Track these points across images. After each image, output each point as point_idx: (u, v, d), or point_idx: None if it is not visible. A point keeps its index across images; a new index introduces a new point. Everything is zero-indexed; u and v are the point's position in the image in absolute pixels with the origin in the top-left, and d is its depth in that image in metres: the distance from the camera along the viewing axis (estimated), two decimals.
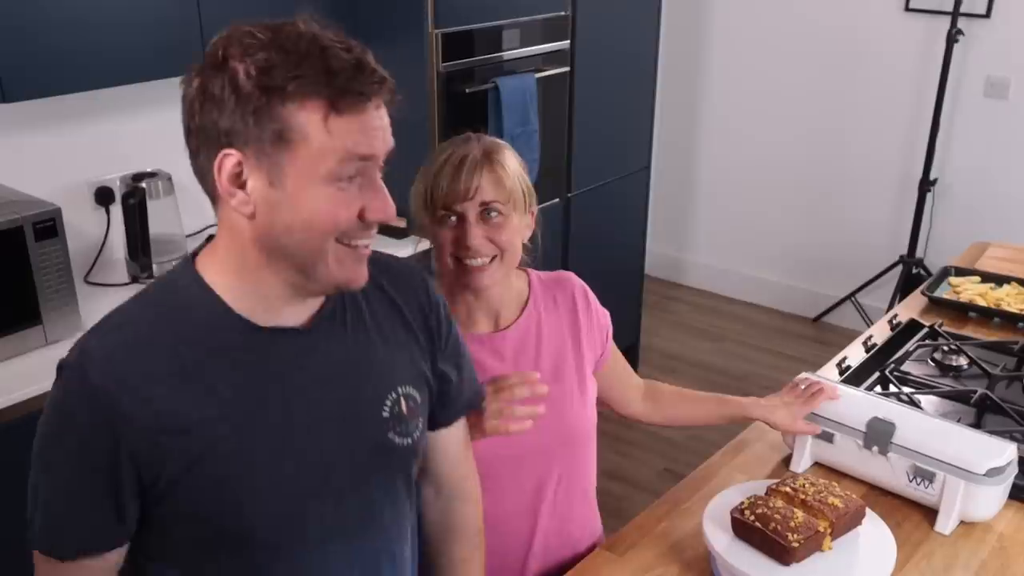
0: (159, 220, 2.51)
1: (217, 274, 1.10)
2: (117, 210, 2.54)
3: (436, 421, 1.31)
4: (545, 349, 1.58)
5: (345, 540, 1.18)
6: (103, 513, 1.07)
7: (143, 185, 2.51)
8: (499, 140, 1.55)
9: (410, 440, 1.22)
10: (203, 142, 1.04)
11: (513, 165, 1.50)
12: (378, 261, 1.21)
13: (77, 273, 2.39)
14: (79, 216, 2.53)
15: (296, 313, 1.13)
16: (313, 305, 1.15)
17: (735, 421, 1.80)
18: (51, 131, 2.48)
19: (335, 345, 1.16)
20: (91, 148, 2.57)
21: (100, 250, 2.58)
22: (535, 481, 1.57)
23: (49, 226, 2.14)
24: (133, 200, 2.45)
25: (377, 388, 1.19)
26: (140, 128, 2.65)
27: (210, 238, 1.15)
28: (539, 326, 1.59)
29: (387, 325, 1.22)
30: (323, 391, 1.14)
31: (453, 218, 1.48)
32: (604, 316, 1.69)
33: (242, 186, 1.03)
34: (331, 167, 1.02)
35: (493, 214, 1.47)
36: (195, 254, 1.14)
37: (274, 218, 1.03)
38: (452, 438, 1.36)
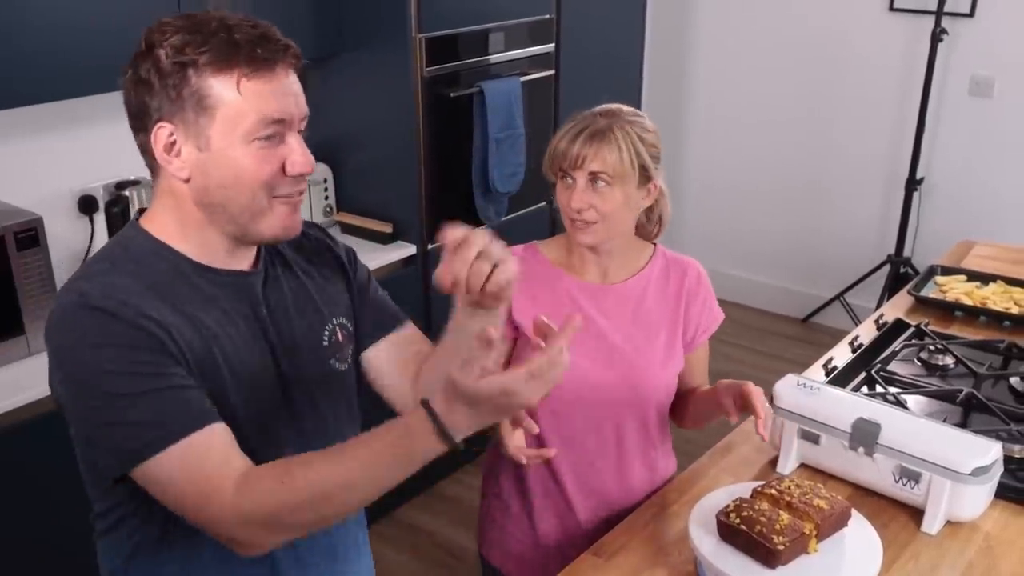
0: None
1: (163, 231, 1.23)
2: (101, 219, 2.53)
3: (366, 344, 1.45)
4: (643, 313, 1.75)
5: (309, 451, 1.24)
6: (187, 387, 1.15)
7: (127, 193, 2.50)
8: (631, 111, 1.70)
9: (347, 364, 1.39)
10: (140, 120, 1.18)
11: (628, 141, 1.64)
12: None
13: (60, 282, 2.37)
14: (62, 225, 2.52)
15: (240, 259, 1.27)
16: (249, 255, 1.29)
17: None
18: (33, 140, 2.47)
19: (277, 285, 1.33)
20: (74, 156, 2.55)
21: (84, 259, 2.56)
22: (612, 426, 1.75)
23: (31, 235, 2.13)
24: (117, 208, 2.44)
25: (316, 320, 1.35)
26: (123, 136, 2.59)
27: (141, 211, 1.29)
28: (644, 292, 1.76)
29: (312, 265, 1.39)
30: (275, 324, 1.30)
31: (569, 179, 1.65)
32: (712, 313, 1.83)
33: (177, 154, 1.18)
34: (248, 127, 1.15)
35: (600, 183, 1.63)
36: (136, 219, 1.27)
37: (207, 179, 1.18)
38: (401, 337, 1.48)
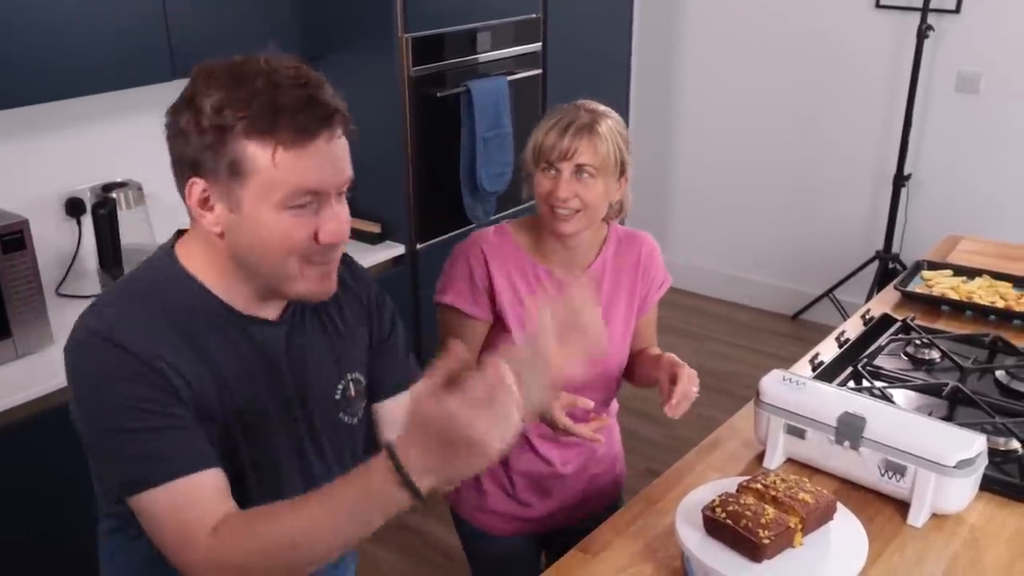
0: (130, 230, 2.50)
1: (198, 269, 1.23)
2: (88, 221, 2.53)
3: (381, 397, 1.46)
4: (603, 296, 1.85)
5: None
6: (194, 428, 1.17)
7: (114, 195, 2.50)
8: (607, 110, 1.77)
9: (356, 419, 1.41)
10: (178, 169, 1.18)
11: (611, 136, 1.72)
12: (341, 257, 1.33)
13: (48, 285, 2.38)
14: (49, 228, 2.52)
15: (269, 308, 1.28)
16: (278, 305, 1.30)
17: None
18: (19, 142, 2.46)
19: (300, 336, 1.32)
20: (60, 159, 2.55)
21: (71, 262, 2.56)
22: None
23: (17, 238, 2.12)
24: (104, 210, 2.44)
25: (331, 374, 1.36)
26: (109, 138, 2.64)
27: (179, 232, 1.29)
28: (603, 275, 1.86)
29: (341, 318, 1.38)
30: (290, 377, 1.30)
31: (553, 171, 1.72)
32: (660, 280, 1.95)
33: (211, 209, 1.17)
34: (280, 198, 1.13)
35: (584, 175, 1.71)
36: (171, 245, 1.27)
37: (238, 239, 1.17)
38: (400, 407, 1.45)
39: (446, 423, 0.98)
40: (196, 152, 1.13)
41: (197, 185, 1.15)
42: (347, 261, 1.40)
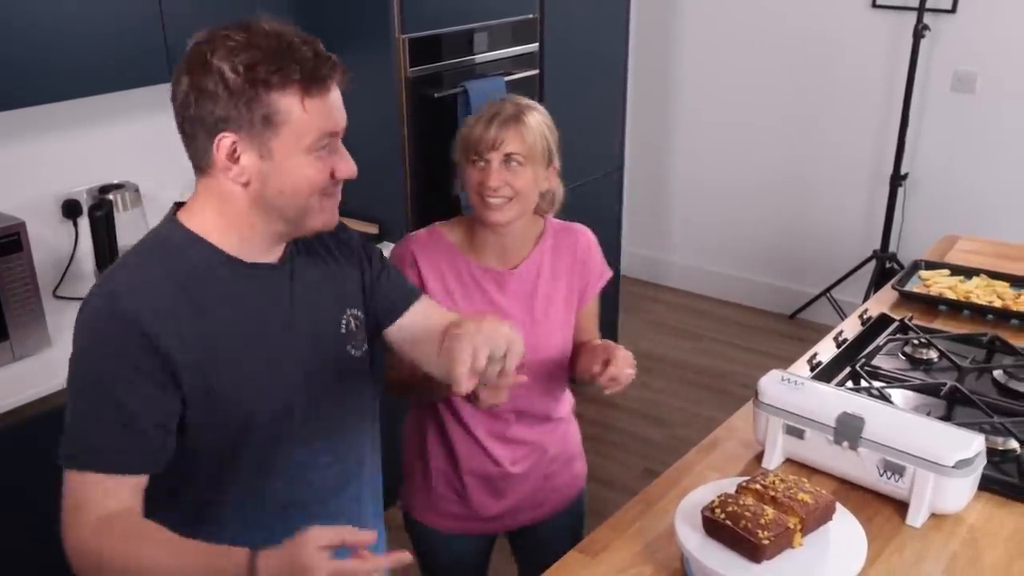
0: (127, 232, 2.50)
1: (203, 227, 1.33)
2: (84, 223, 2.52)
3: (390, 320, 1.55)
4: (541, 289, 1.87)
5: (327, 436, 1.44)
6: (142, 433, 1.26)
7: (110, 197, 2.49)
8: (532, 103, 1.82)
9: (362, 352, 1.49)
10: (199, 129, 1.26)
11: (537, 126, 1.78)
12: None
13: (45, 287, 2.38)
14: (46, 230, 2.51)
15: (272, 253, 1.38)
16: (280, 249, 1.40)
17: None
18: (15, 144, 2.46)
19: (302, 276, 1.42)
20: (57, 160, 2.54)
21: (68, 264, 2.56)
22: (525, 398, 1.82)
23: (14, 240, 2.12)
24: (100, 212, 2.44)
25: (334, 309, 1.46)
26: (106, 139, 2.63)
27: (179, 205, 1.38)
28: (540, 268, 1.88)
29: (333, 258, 1.49)
30: (297, 313, 1.40)
31: (482, 163, 1.76)
32: (600, 273, 1.95)
33: (236, 161, 1.27)
34: (310, 141, 1.27)
35: (513, 163, 1.75)
36: (173, 214, 1.36)
37: (266, 186, 1.28)
38: (422, 305, 1.58)
39: (307, 572, 1.11)
40: (226, 109, 1.23)
41: (227, 139, 1.25)
42: None
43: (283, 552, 1.14)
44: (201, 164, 1.31)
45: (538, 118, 1.79)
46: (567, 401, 2.01)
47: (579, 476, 2.07)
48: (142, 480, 1.28)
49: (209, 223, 1.33)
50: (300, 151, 1.28)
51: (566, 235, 1.93)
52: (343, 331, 1.46)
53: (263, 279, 1.37)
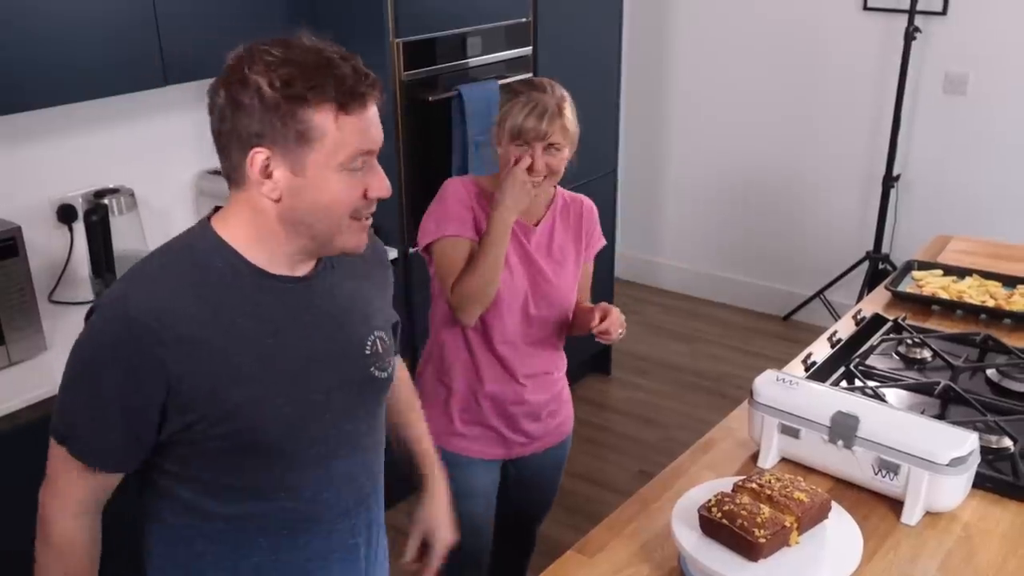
0: (123, 236, 2.50)
1: (233, 236, 1.31)
2: (80, 227, 2.52)
3: None
4: (556, 244, 2.13)
5: (343, 456, 1.42)
6: (130, 438, 1.28)
7: (106, 201, 2.49)
8: (562, 90, 2.02)
9: (387, 373, 1.48)
10: (234, 142, 1.25)
11: (572, 116, 2.02)
12: None
13: (40, 292, 2.37)
14: (41, 234, 2.51)
15: (301, 267, 1.36)
16: (310, 263, 1.38)
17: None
18: (11, 149, 2.46)
19: (329, 293, 1.40)
20: (52, 165, 2.54)
21: (64, 268, 2.55)
22: (540, 336, 2.13)
23: (9, 245, 2.12)
24: (96, 217, 2.43)
25: (360, 330, 1.44)
26: (101, 144, 2.63)
27: (216, 208, 1.36)
28: (554, 227, 2.14)
29: (363, 281, 1.48)
30: (322, 330, 1.37)
31: (526, 147, 1.99)
32: (599, 237, 2.22)
33: (269, 176, 1.25)
34: (343, 159, 1.25)
35: (554, 150, 1.99)
36: (208, 218, 1.35)
37: (297, 201, 1.27)
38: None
39: None
40: (261, 124, 1.22)
41: (260, 154, 1.24)
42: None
43: None
44: (234, 177, 1.30)
45: (571, 107, 2.02)
46: (564, 358, 2.26)
47: (570, 417, 2.31)
48: (113, 477, 1.33)
49: (240, 233, 1.31)
50: (332, 168, 1.25)
51: (573, 201, 2.18)
52: (367, 351, 1.43)
53: (287, 292, 1.35)
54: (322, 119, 1.23)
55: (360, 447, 1.46)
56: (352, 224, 1.31)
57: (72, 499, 1.33)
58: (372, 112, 1.27)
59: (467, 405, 2.13)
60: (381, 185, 1.31)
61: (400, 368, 1.69)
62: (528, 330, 2.10)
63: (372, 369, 1.44)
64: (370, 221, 1.36)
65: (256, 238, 1.31)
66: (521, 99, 1.98)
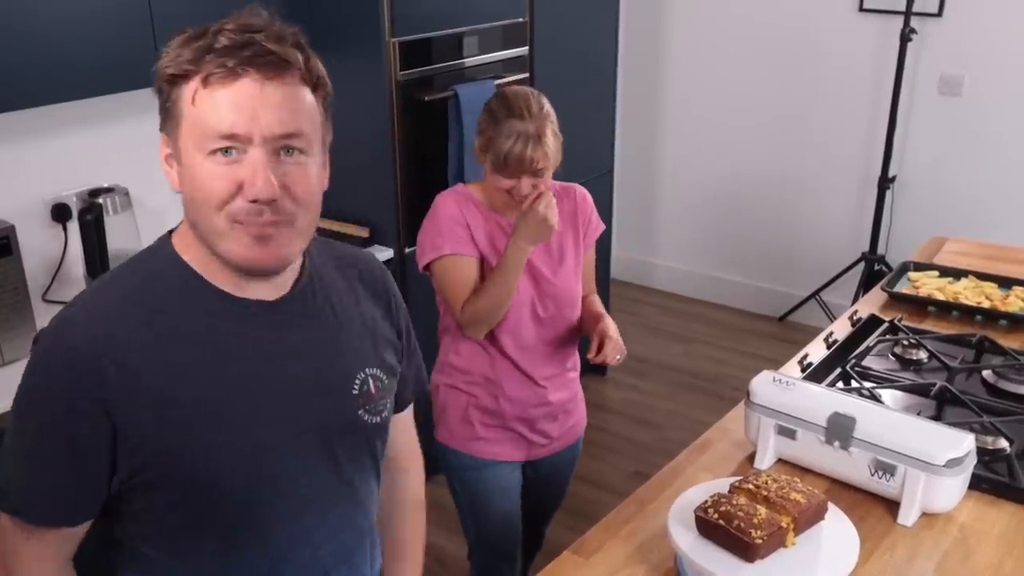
0: (117, 236, 2.49)
1: (187, 250, 1.16)
2: (74, 227, 2.51)
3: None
4: (553, 241, 2.12)
5: (319, 510, 1.24)
6: (76, 484, 1.12)
7: (100, 201, 2.48)
8: (545, 108, 2.00)
9: (379, 419, 1.29)
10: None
11: (553, 137, 2.00)
12: (347, 255, 1.35)
13: (34, 292, 2.36)
14: (35, 234, 2.50)
15: (263, 289, 1.18)
16: (281, 284, 1.20)
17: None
18: (4, 148, 2.45)
19: (303, 322, 1.22)
20: (46, 164, 2.53)
21: (58, 268, 2.54)
22: (553, 335, 2.15)
23: (3, 244, 2.12)
24: (90, 216, 2.42)
25: (345, 367, 1.26)
26: (95, 143, 2.62)
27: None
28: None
29: (354, 312, 1.29)
30: (293, 363, 1.20)
31: (513, 178, 1.99)
32: (596, 223, 2.22)
33: (171, 165, 1.13)
34: (197, 140, 1.07)
35: (541, 172, 1.99)
36: (171, 232, 1.21)
37: (184, 192, 1.12)
38: (403, 422, 1.50)
39: None
40: (159, 110, 1.12)
41: (162, 141, 1.14)
42: (367, 257, 1.40)
43: None
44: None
45: (552, 123, 2.00)
46: (576, 357, 2.27)
47: (584, 416, 2.34)
48: (77, 529, 1.17)
49: (187, 242, 1.16)
50: (195, 151, 1.08)
51: (565, 192, 2.18)
52: (355, 391, 1.25)
53: (252, 318, 1.16)
54: (183, 95, 1.07)
55: (341, 498, 1.26)
56: (235, 228, 1.09)
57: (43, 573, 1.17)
58: (252, 90, 1.06)
59: (488, 411, 2.14)
60: (253, 181, 1.06)
61: (414, 469, 1.55)
62: (541, 332, 2.12)
63: (360, 412, 1.26)
64: (269, 232, 1.10)
65: (196, 247, 1.15)
66: (502, 130, 1.96)
